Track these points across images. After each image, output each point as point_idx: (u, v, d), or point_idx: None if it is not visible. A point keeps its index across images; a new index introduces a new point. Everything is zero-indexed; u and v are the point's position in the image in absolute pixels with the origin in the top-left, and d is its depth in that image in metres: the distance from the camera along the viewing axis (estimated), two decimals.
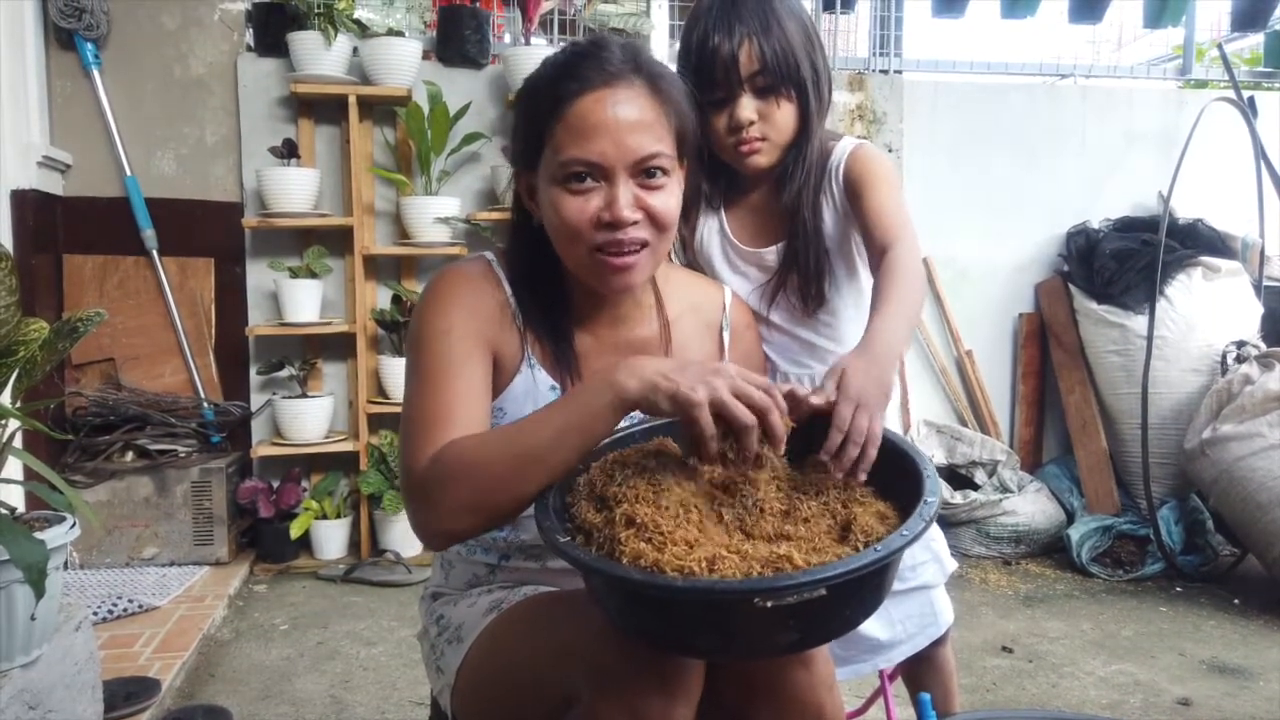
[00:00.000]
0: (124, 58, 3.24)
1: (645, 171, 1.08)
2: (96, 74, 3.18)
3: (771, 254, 1.38)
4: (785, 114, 1.31)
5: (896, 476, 1.01)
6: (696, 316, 1.28)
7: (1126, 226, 3.58)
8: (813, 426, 1.04)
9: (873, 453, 0.97)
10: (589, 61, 1.08)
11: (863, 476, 0.98)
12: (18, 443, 1.56)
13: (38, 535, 1.24)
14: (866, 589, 0.93)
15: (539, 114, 1.09)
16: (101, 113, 3.20)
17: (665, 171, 1.10)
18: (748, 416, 0.92)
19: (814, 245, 1.34)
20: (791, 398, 1.03)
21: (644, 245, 1.10)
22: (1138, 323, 3.33)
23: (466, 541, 1.24)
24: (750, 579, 0.86)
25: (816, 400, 1.00)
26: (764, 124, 1.30)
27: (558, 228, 1.10)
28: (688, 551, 0.90)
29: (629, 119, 1.06)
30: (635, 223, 1.08)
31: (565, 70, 1.09)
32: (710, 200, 1.42)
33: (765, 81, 1.28)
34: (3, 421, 1.42)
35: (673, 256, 1.41)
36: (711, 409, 0.92)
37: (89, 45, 3.16)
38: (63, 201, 3.21)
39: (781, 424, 0.95)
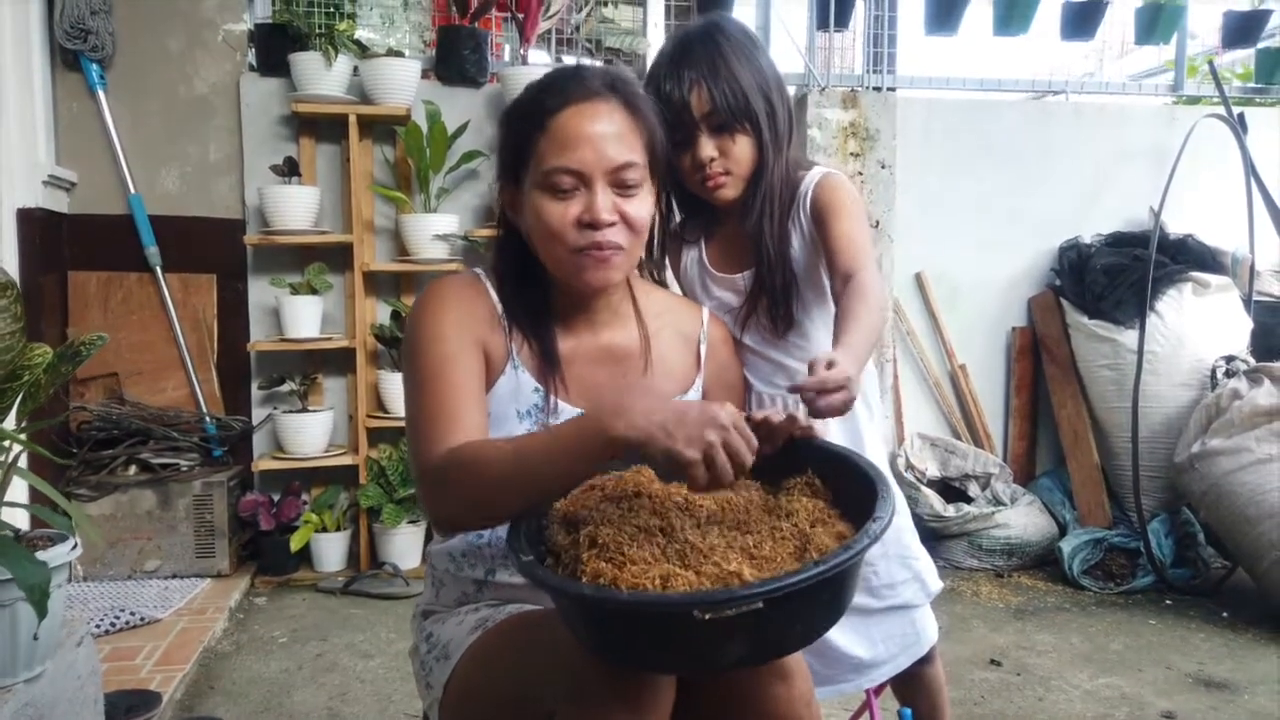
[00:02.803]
0: (129, 78, 3.30)
1: (622, 180, 1.18)
2: (102, 94, 3.24)
3: (743, 279, 1.45)
4: (743, 147, 1.39)
5: (865, 499, 1.05)
6: (675, 330, 1.36)
7: (1118, 241, 3.62)
8: (789, 451, 1.10)
9: (838, 400, 1.02)
10: (570, 81, 1.20)
11: (822, 423, 1.06)
12: (22, 462, 1.61)
13: (40, 555, 1.28)
14: (815, 603, 0.96)
15: (524, 129, 1.20)
16: (106, 132, 3.25)
17: (638, 183, 1.20)
18: (729, 476, 0.98)
19: (780, 269, 1.41)
20: (767, 425, 1.09)
21: (620, 248, 1.19)
22: (1129, 337, 3.37)
23: (454, 556, 1.31)
24: (690, 592, 0.90)
25: (792, 427, 1.07)
26: (724, 159, 1.39)
27: (542, 231, 1.19)
28: (644, 570, 0.94)
29: (607, 131, 1.17)
30: (613, 224, 1.18)
31: (548, 89, 1.20)
32: (689, 234, 1.50)
33: (719, 120, 1.37)
34: (6, 444, 1.47)
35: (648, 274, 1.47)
36: (704, 464, 0.98)
37: (94, 66, 3.22)
38: (68, 219, 3.26)
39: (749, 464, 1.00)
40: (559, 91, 1.18)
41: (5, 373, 1.44)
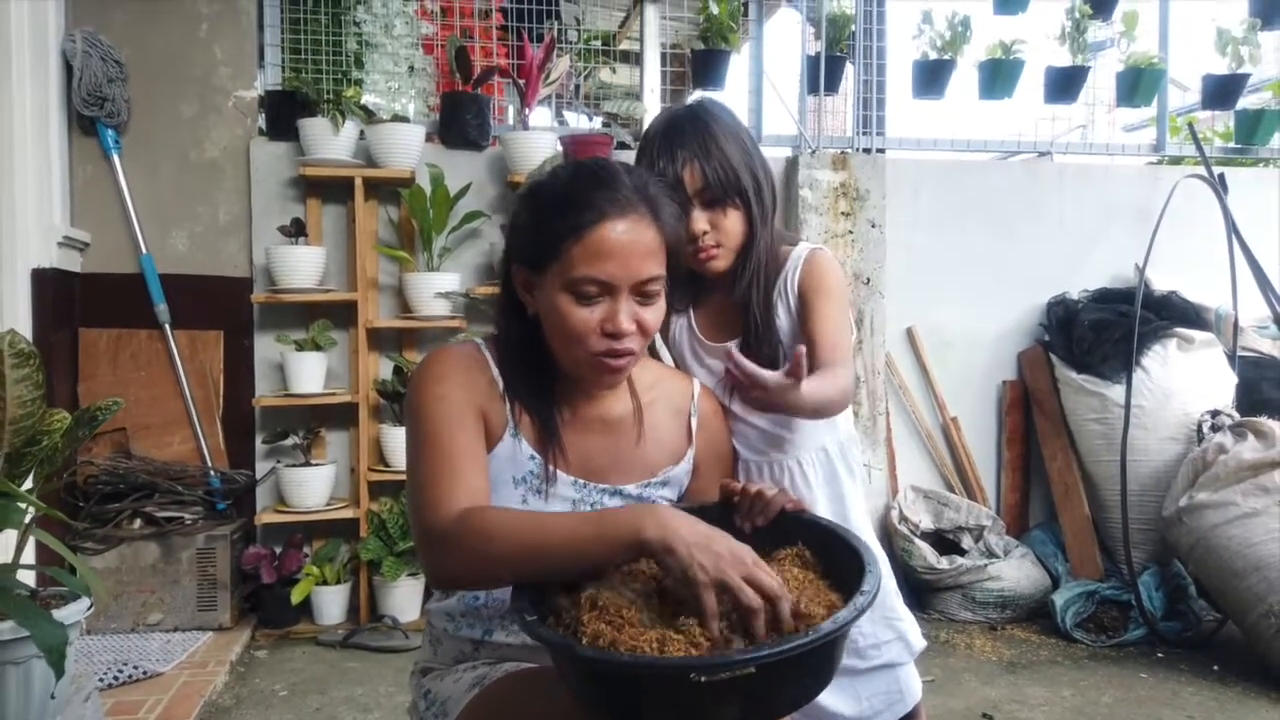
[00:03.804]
0: (143, 142, 3.42)
1: (644, 292, 1.24)
2: (116, 158, 3.35)
3: (731, 347, 1.51)
4: (733, 221, 1.46)
5: (852, 569, 1.12)
6: (668, 403, 1.40)
7: (1104, 298, 3.70)
8: (779, 523, 1.19)
9: (754, 396, 1.18)
10: (604, 191, 1.22)
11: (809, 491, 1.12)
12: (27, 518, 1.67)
13: (56, 614, 1.34)
14: (804, 669, 1.01)
15: (555, 231, 1.22)
16: (120, 194, 3.36)
17: (659, 290, 1.26)
18: (754, 600, 1.01)
19: (766, 338, 1.48)
20: (761, 498, 1.17)
21: (633, 353, 1.25)
22: (1116, 392, 3.43)
23: (453, 615, 1.36)
24: (687, 656, 0.96)
25: (785, 502, 1.16)
26: (716, 232, 1.46)
27: (562, 331, 1.23)
28: (642, 633, 1.00)
29: (636, 247, 1.21)
30: (631, 334, 1.23)
31: (581, 198, 1.22)
32: (678, 303, 1.56)
33: (711, 195, 1.44)
34: (24, 507, 1.53)
35: None
36: (715, 590, 1.02)
37: (110, 131, 3.34)
38: (81, 278, 3.36)
39: (788, 612, 1.03)
40: (593, 204, 1.20)
41: (25, 439, 1.51)
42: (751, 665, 0.94)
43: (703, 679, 0.92)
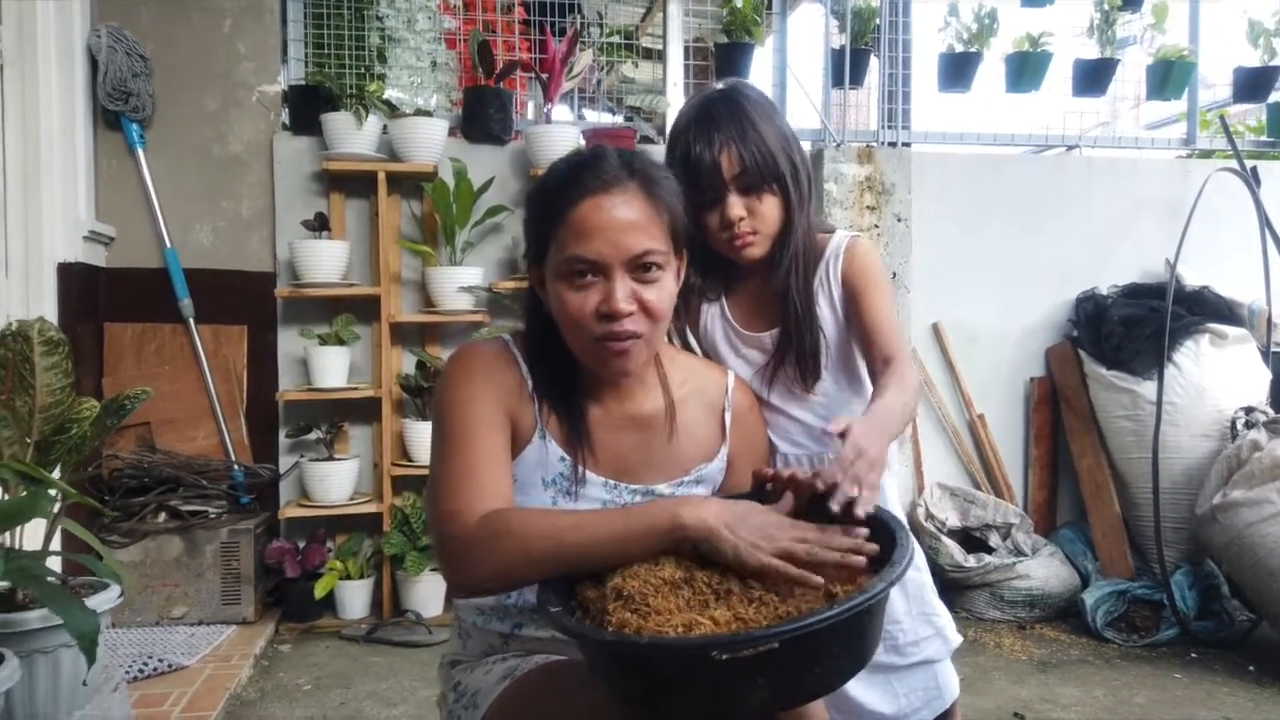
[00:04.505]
0: (167, 137, 3.43)
1: (641, 266, 1.19)
2: (141, 153, 3.36)
3: (770, 337, 1.48)
4: (770, 207, 1.42)
5: (888, 552, 1.08)
6: (700, 398, 1.36)
7: (1134, 293, 3.65)
8: (815, 507, 1.13)
9: (869, 495, 1.06)
10: (587, 170, 1.20)
11: (860, 512, 1.06)
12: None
13: (89, 602, 1.33)
14: (833, 646, 0.98)
15: (544, 217, 1.21)
16: (144, 189, 3.37)
17: (659, 266, 1.20)
18: (828, 554, 1.03)
19: (807, 325, 1.44)
20: (794, 482, 1.14)
21: (638, 336, 1.20)
22: (1147, 388, 3.38)
23: (483, 609, 1.33)
24: (707, 635, 0.94)
25: (817, 484, 1.10)
26: (752, 219, 1.41)
27: (563, 319, 1.21)
28: (668, 619, 0.98)
29: (624, 220, 1.17)
30: (630, 314, 1.18)
31: (566, 179, 1.20)
32: (709, 291, 1.53)
33: (748, 181, 1.40)
34: (53, 494, 1.52)
35: (672, 339, 1.50)
36: (780, 555, 1.03)
37: (134, 126, 3.35)
38: (106, 273, 3.37)
39: (850, 559, 1.03)
40: (576, 183, 1.18)
41: (54, 426, 1.50)
42: (775, 640, 0.91)
43: (725, 656, 0.90)
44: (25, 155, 2.96)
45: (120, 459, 3.24)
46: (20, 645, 1.43)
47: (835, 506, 1.06)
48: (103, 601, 1.42)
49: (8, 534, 1.50)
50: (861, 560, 1.03)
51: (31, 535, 1.52)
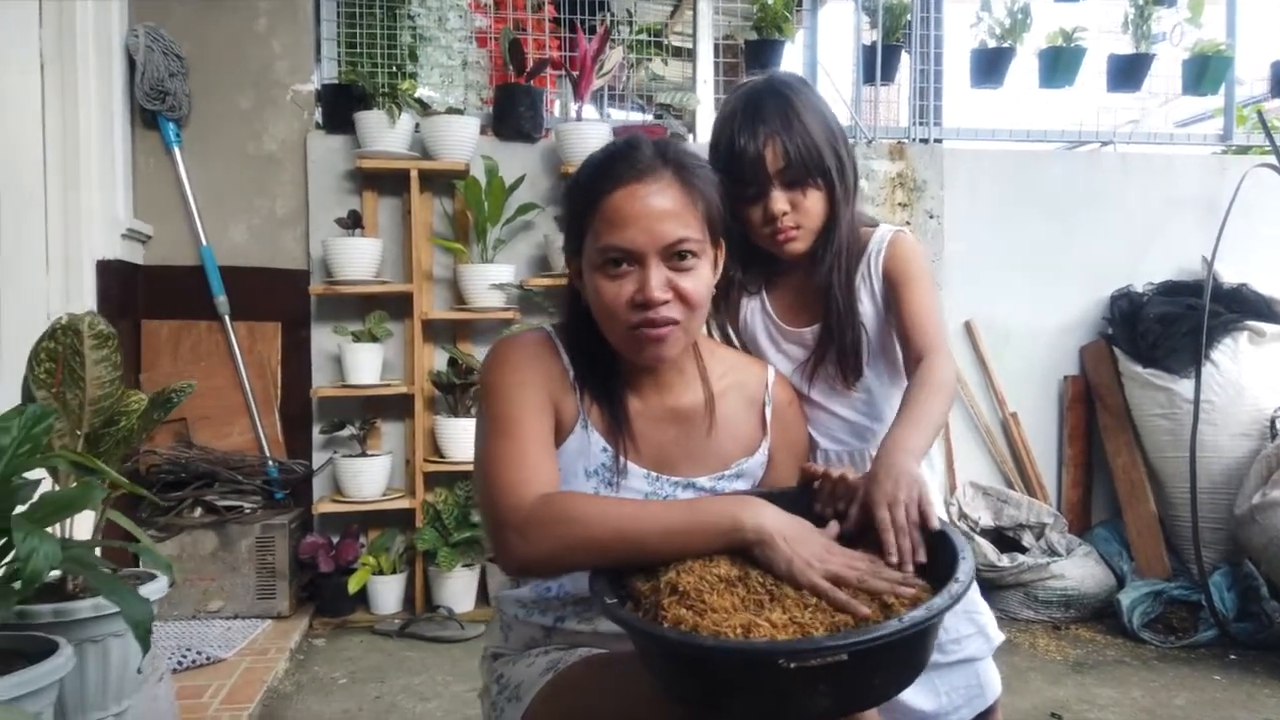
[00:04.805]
0: (203, 136, 3.46)
1: (676, 254, 1.19)
2: (177, 151, 3.40)
3: (811, 333, 1.46)
4: (814, 201, 1.40)
5: (939, 558, 1.08)
6: (740, 392, 1.36)
7: (1170, 290, 3.61)
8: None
9: (916, 534, 1.08)
10: (621, 160, 1.20)
11: (921, 556, 1.07)
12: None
13: (142, 590, 1.35)
14: (895, 659, 0.98)
15: (579, 209, 1.22)
16: (181, 187, 3.41)
17: (695, 254, 1.20)
18: (877, 583, 1.04)
19: (849, 322, 1.43)
20: (844, 483, 1.16)
21: (675, 323, 1.20)
22: (1184, 386, 3.34)
23: (524, 603, 1.34)
24: (777, 641, 0.93)
25: (891, 557, 1.09)
26: (796, 213, 1.39)
27: (599, 309, 1.22)
28: (725, 618, 0.97)
29: (658, 208, 1.18)
30: (666, 302, 1.18)
31: (601, 169, 1.22)
32: (750, 285, 1.51)
33: (792, 175, 1.37)
34: (104, 484, 1.54)
35: (711, 332, 1.50)
36: (827, 578, 1.03)
37: (171, 125, 3.38)
38: (143, 270, 3.41)
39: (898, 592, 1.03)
40: (610, 173, 1.19)
41: (104, 419, 1.52)
42: (844, 652, 0.90)
43: (792, 665, 0.89)
44: (65, 154, 3.00)
45: (157, 454, 3.27)
46: (71, 634, 1.45)
47: (893, 559, 1.06)
48: (153, 591, 1.44)
49: (57, 525, 1.52)
50: (910, 591, 1.02)
51: (79, 526, 1.54)
